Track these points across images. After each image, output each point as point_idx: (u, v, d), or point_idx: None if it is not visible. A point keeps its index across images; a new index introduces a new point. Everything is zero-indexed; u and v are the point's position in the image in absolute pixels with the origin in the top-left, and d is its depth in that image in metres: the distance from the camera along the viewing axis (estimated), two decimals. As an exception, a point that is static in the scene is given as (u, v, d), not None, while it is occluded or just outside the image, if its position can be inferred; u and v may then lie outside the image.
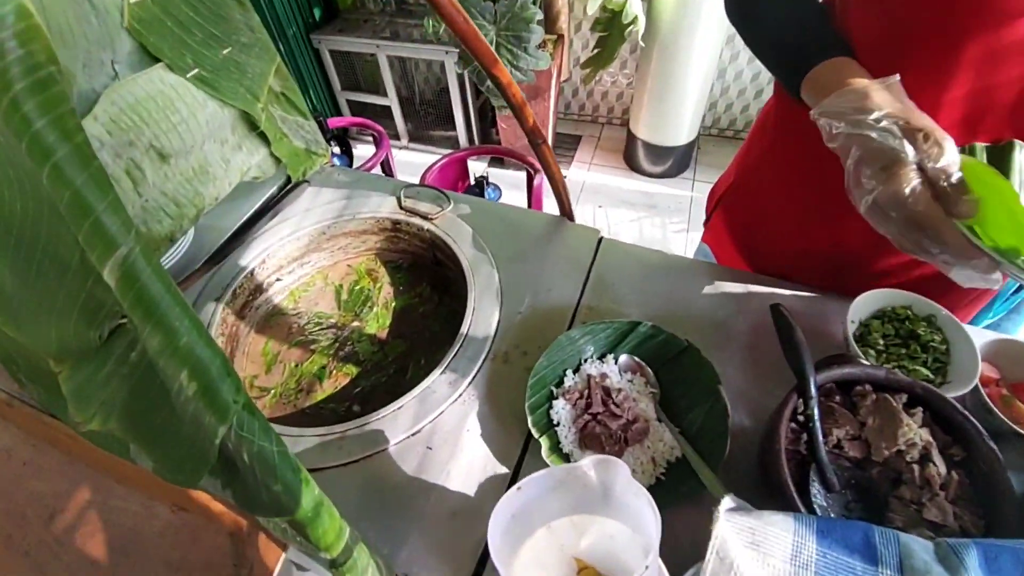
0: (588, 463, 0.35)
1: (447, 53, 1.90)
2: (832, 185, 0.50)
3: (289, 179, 0.84)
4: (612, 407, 0.51)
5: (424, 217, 0.76)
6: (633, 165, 2.19)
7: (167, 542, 0.52)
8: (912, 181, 0.39)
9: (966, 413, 0.43)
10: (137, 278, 0.23)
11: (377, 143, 1.48)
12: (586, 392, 0.52)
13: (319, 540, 0.29)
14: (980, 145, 0.47)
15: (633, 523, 0.37)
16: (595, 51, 1.83)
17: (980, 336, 0.55)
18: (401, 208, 0.78)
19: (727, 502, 0.36)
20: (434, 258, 0.79)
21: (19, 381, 0.48)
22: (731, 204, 0.77)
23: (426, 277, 0.81)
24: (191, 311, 0.25)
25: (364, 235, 0.81)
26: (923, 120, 0.40)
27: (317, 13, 2.19)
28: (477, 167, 2.08)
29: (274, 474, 0.27)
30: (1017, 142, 0.46)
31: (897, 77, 0.43)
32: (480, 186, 1.36)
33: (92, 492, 0.56)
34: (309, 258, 0.80)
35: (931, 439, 0.44)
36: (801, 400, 0.44)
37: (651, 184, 2.14)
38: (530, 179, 1.39)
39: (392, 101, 2.24)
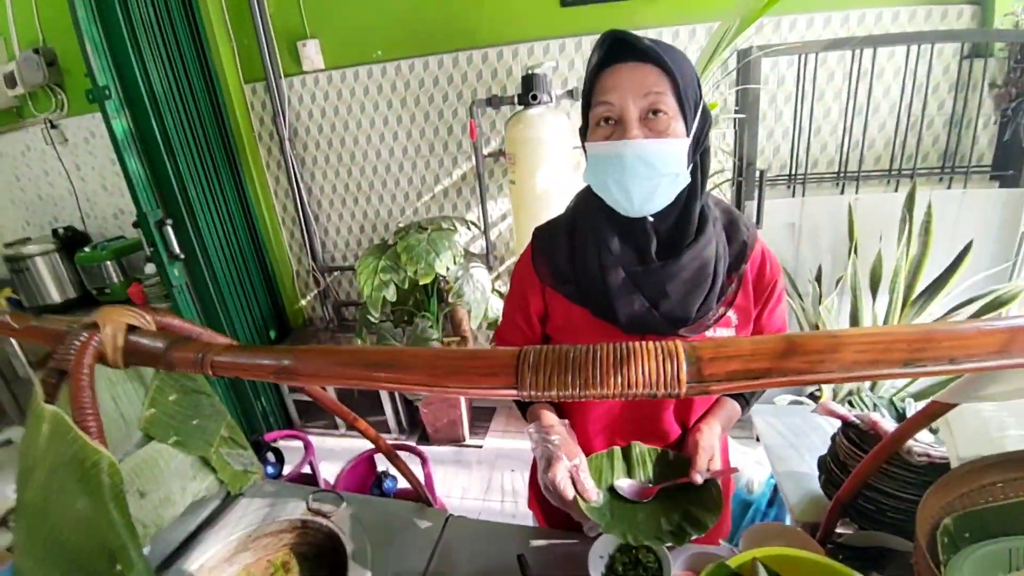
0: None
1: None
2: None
3: (228, 494, 1.14)
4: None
5: (324, 516, 1.06)
6: (538, 428, 2.58)
7: None
8: (560, 472, 0.76)
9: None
10: None
11: (306, 448, 1.83)
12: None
13: None
14: (616, 449, 0.87)
15: None
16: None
17: (683, 552, 0.85)
18: (309, 510, 1.08)
19: None
20: (331, 547, 1.06)
21: None
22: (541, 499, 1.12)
23: (327, 563, 1.06)
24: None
25: (281, 534, 1.08)
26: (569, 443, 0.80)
27: (272, 333, 2.74)
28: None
29: None
30: (635, 443, 0.86)
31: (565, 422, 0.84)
32: (379, 480, 1.68)
33: None
34: (237, 558, 1.05)
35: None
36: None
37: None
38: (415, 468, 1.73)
39: (331, 394, 2.65)
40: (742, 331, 0.84)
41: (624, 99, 0.71)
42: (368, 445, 1.79)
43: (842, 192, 2.06)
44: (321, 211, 2.74)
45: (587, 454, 0.85)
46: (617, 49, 0.72)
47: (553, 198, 2.05)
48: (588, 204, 0.83)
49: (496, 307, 2.18)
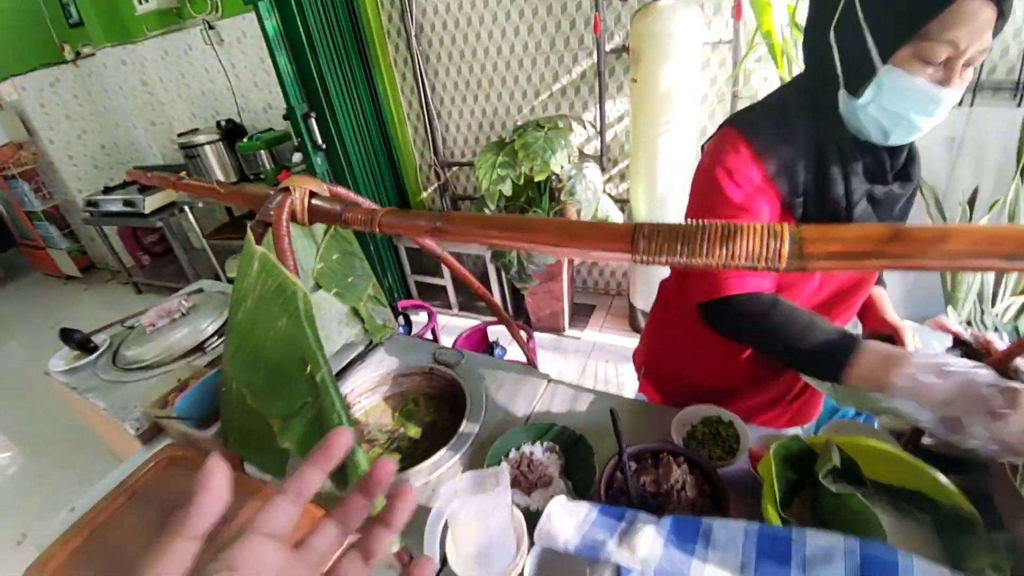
0: (492, 472, 0.79)
1: (486, 250, 2.59)
2: (721, 345, 0.90)
3: (371, 342, 1.39)
4: (526, 469, 0.93)
5: (448, 366, 1.27)
6: (635, 327, 2.68)
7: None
8: None
9: (709, 466, 0.84)
10: (322, 381, 0.74)
11: (429, 317, 2.09)
12: (518, 460, 0.96)
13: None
14: None
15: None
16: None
17: (758, 431, 0.95)
18: (435, 361, 1.29)
19: (560, 498, 0.78)
20: (451, 391, 1.28)
21: (226, 440, 0.98)
22: (651, 371, 1.23)
23: (446, 403, 1.29)
24: (340, 396, 0.75)
25: (412, 376, 1.32)
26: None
27: (397, 221, 3.01)
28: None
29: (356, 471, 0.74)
30: None
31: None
32: (491, 347, 1.89)
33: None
34: (378, 390, 1.31)
35: (689, 475, 0.83)
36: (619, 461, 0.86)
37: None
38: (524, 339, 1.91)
39: (447, 282, 2.93)
40: None
41: (971, 44, 0.63)
42: (476, 323, 2.02)
43: (1019, 105, 1.77)
44: (443, 108, 2.86)
45: None
46: None
47: (676, 99, 1.98)
48: (830, 123, 0.76)
49: (606, 208, 2.22)
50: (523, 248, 0.62)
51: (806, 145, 0.77)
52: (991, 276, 1.67)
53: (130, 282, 4.19)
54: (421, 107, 2.82)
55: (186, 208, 3.46)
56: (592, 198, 2.12)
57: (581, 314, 2.89)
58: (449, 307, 3.04)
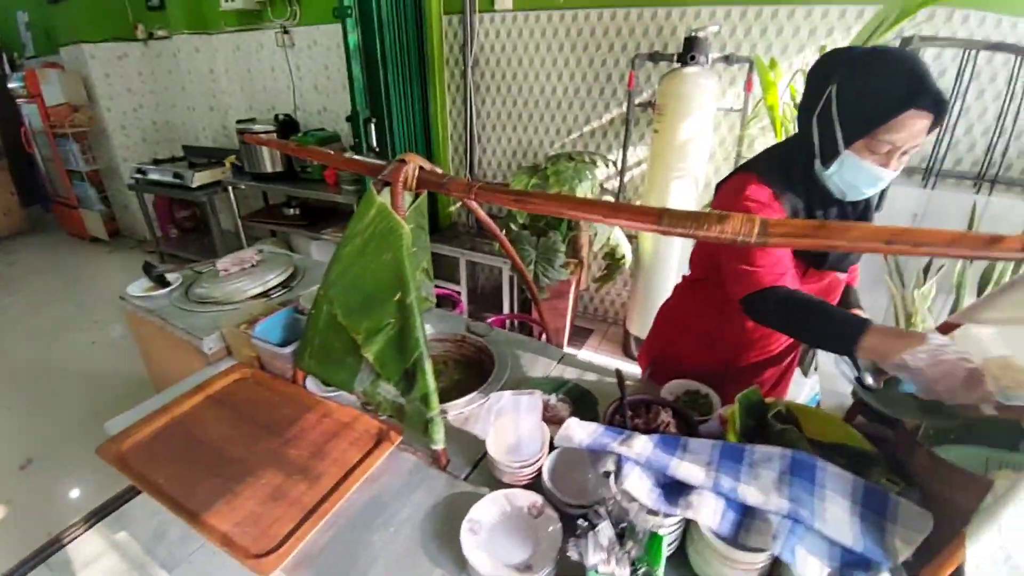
0: (528, 391, 1.04)
1: (504, 263, 2.86)
2: (729, 341, 1.22)
3: (413, 310, 1.64)
4: (544, 410, 1.18)
5: (479, 336, 1.52)
6: (628, 353, 2.94)
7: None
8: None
9: (689, 414, 1.09)
10: (410, 304, 1.00)
11: (455, 305, 2.35)
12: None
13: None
14: None
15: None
16: (603, 272, 2.74)
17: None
18: (468, 331, 1.54)
19: (576, 418, 1.03)
20: (479, 359, 1.52)
21: (302, 362, 1.22)
22: (657, 363, 1.48)
23: (474, 368, 1.53)
24: (421, 319, 1.00)
25: (445, 342, 1.56)
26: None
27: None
28: (513, 339, 2.89)
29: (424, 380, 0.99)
30: None
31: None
32: None
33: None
34: (416, 348, 1.55)
35: (672, 420, 1.08)
36: (619, 406, 1.11)
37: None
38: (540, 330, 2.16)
39: (463, 289, 3.19)
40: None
41: (906, 144, 0.90)
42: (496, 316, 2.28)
43: (977, 193, 2.11)
44: (484, 133, 3.19)
45: None
46: (918, 94, 0.85)
47: (690, 150, 2.31)
48: (804, 168, 1.03)
49: (617, 238, 2.52)
50: (582, 218, 0.89)
51: (800, 189, 1.06)
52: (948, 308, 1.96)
53: (156, 251, 4.42)
54: (465, 129, 3.16)
55: (229, 188, 3.74)
56: (605, 228, 2.41)
57: (579, 335, 3.14)
58: (463, 313, 3.29)
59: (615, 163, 2.76)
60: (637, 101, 2.65)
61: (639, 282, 2.70)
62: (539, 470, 0.97)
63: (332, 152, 1.29)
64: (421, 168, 1.11)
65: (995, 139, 2.06)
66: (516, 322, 3.07)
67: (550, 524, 0.88)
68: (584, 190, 2.29)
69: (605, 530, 0.71)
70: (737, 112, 2.47)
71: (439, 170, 1.18)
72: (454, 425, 1.15)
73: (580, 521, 0.74)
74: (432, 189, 1.09)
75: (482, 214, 1.34)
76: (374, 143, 2.69)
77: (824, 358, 1.51)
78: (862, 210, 1.10)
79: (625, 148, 2.69)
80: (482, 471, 1.05)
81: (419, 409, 1.04)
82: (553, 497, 0.93)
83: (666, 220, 0.80)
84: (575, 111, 2.89)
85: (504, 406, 1.01)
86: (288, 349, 1.30)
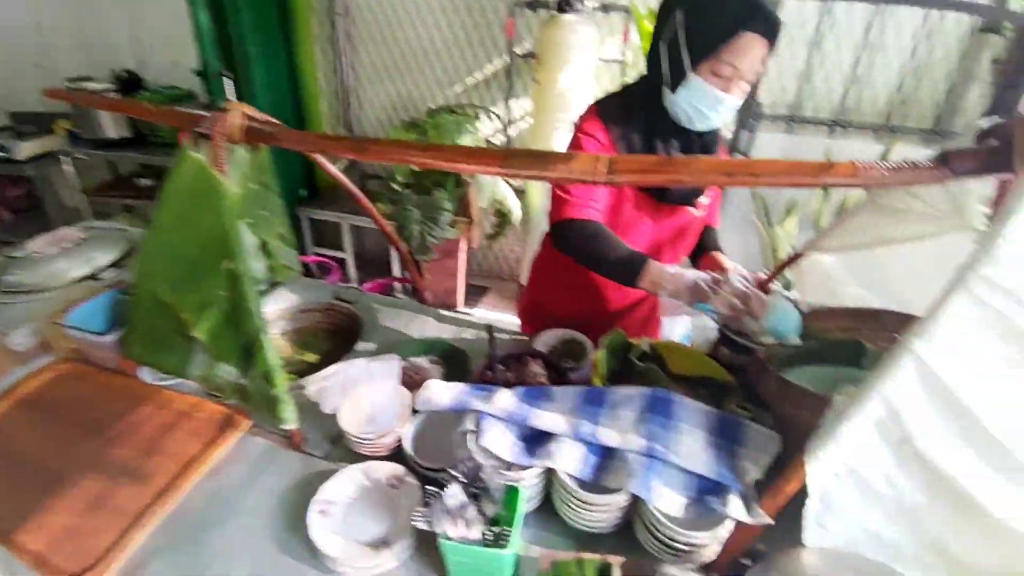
0: (384, 356, 0.96)
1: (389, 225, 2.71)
2: (592, 287, 1.20)
3: (274, 281, 1.48)
4: (413, 373, 1.10)
5: (348, 303, 1.40)
6: (526, 311, 2.95)
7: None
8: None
9: (558, 363, 1.06)
10: (241, 272, 0.87)
11: (331, 271, 2.18)
12: (407, 367, 1.12)
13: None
14: None
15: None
16: (495, 229, 2.68)
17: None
18: (336, 299, 1.42)
19: (433, 381, 0.96)
20: (349, 326, 1.41)
21: (128, 350, 1.05)
22: (531, 312, 1.45)
23: (342, 335, 1.41)
24: (256, 297, 0.88)
25: (312, 312, 1.43)
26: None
27: (303, 192, 3.05)
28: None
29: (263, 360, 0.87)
30: None
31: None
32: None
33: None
34: (276, 324, 1.40)
35: (543, 371, 1.05)
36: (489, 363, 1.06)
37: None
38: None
39: (348, 255, 3.01)
40: (712, 202, 1.22)
41: (745, 69, 0.92)
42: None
43: (832, 137, 2.26)
44: (360, 86, 2.96)
45: None
46: (754, 16, 0.89)
47: (571, 100, 2.27)
48: (649, 102, 1.04)
49: (503, 191, 2.46)
50: (425, 166, 0.80)
51: (640, 123, 1.06)
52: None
53: (-16, 237, 3.76)
54: (338, 83, 2.90)
55: (66, 159, 3.22)
56: (491, 181, 2.34)
57: (475, 294, 3.10)
58: (347, 281, 3.11)
59: (499, 116, 2.67)
60: (520, 52, 2.56)
61: (530, 237, 2.67)
62: (400, 439, 0.90)
63: (141, 104, 1.09)
64: (250, 118, 0.95)
65: (849, 87, 2.21)
66: (410, 286, 2.96)
67: (411, 494, 0.82)
68: (466, 144, 2.19)
69: (454, 493, 0.66)
70: (618, 64, 2.46)
71: (274, 119, 1.03)
72: (312, 400, 1.05)
73: (428, 487, 0.68)
74: (260, 142, 0.94)
75: (332, 168, 1.21)
76: (233, 100, 2.39)
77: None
78: (707, 146, 1.11)
79: (508, 101, 2.60)
80: (343, 447, 0.97)
81: (262, 388, 0.93)
82: (417, 465, 0.87)
83: (512, 162, 0.73)
84: (455, 61, 2.74)
85: (356, 374, 0.92)
86: (109, 337, 1.11)
